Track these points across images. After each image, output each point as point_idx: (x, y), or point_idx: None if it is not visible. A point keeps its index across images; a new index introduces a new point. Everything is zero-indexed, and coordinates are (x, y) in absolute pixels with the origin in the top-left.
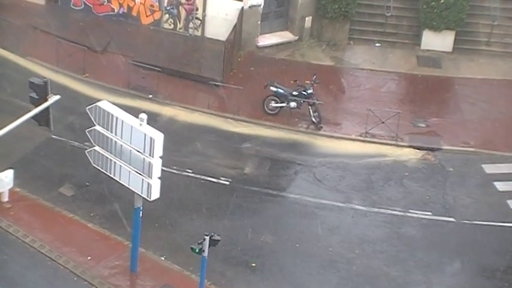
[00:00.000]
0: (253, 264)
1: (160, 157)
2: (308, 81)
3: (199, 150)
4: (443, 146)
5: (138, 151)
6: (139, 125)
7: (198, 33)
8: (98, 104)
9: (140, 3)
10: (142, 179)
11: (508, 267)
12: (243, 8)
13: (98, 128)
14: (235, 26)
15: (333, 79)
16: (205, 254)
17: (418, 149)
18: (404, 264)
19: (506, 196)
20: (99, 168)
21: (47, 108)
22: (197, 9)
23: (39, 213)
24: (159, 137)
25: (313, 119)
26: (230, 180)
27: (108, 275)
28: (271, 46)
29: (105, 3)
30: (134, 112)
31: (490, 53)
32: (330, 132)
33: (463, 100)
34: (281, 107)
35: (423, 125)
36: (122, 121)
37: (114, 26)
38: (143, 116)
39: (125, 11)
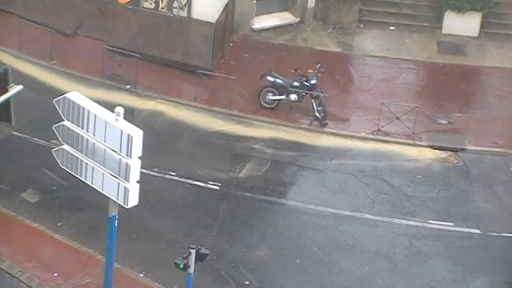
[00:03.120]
0: (247, 283)
1: (140, 158)
2: (311, 70)
3: (184, 150)
4: (468, 146)
5: (114, 151)
6: (115, 120)
7: (184, 13)
8: (67, 95)
9: None
10: (118, 183)
11: None
12: None
13: (66, 123)
14: (226, 5)
15: (340, 68)
16: (191, 270)
17: (438, 149)
18: (423, 283)
19: None
20: (68, 170)
21: (8, 101)
22: None
23: None
24: (138, 135)
25: (317, 114)
26: (220, 184)
27: None
28: (268, 29)
29: None
30: (109, 105)
31: None
32: (336, 130)
33: (491, 93)
34: (280, 100)
35: (444, 122)
36: (95, 115)
37: (86, 5)
38: (120, 109)
39: None
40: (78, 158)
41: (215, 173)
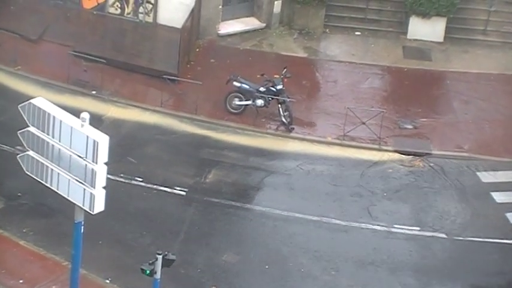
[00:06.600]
0: None
1: (106, 163)
2: (277, 76)
3: (151, 156)
4: (433, 151)
5: (79, 156)
6: (81, 126)
7: (150, 19)
8: (32, 101)
9: None
10: (84, 189)
11: None
12: None
13: (31, 129)
14: (192, 10)
15: (307, 73)
16: (158, 276)
17: (404, 154)
18: None
19: (505, 209)
20: (34, 177)
21: None
22: None
23: None
24: (103, 140)
25: (283, 119)
26: (187, 190)
27: None
28: (234, 34)
29: None
30: (75, 111)
31: (486, 43)
32: (302, 135)
33: (456, 98)
34: (246, 105)
35: (410, 127)
36: (60, 121)
37: (52, 10)
38: (85, 115)
39: None
40: (43, 164)
41: (182, 178)
